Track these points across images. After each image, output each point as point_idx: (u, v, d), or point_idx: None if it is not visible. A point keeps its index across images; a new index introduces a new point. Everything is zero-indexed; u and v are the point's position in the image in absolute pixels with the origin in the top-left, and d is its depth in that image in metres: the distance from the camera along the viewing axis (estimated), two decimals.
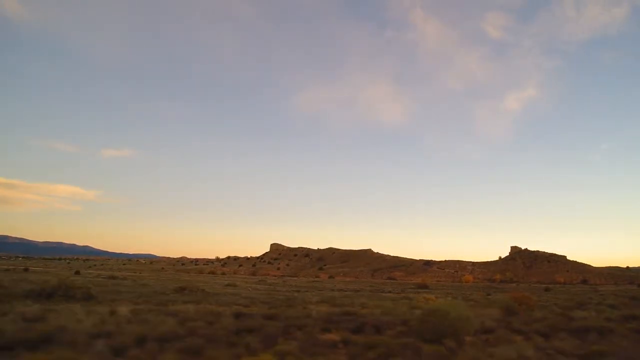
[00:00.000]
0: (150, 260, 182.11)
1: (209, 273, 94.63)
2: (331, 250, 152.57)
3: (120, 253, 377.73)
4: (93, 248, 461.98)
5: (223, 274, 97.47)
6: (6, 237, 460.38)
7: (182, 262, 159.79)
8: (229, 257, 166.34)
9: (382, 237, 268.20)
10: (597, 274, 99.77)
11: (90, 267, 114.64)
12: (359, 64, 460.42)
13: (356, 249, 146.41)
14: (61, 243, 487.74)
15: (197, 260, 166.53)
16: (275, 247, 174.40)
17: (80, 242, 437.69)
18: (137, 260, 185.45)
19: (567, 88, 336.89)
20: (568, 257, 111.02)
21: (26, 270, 46.80)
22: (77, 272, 47.77)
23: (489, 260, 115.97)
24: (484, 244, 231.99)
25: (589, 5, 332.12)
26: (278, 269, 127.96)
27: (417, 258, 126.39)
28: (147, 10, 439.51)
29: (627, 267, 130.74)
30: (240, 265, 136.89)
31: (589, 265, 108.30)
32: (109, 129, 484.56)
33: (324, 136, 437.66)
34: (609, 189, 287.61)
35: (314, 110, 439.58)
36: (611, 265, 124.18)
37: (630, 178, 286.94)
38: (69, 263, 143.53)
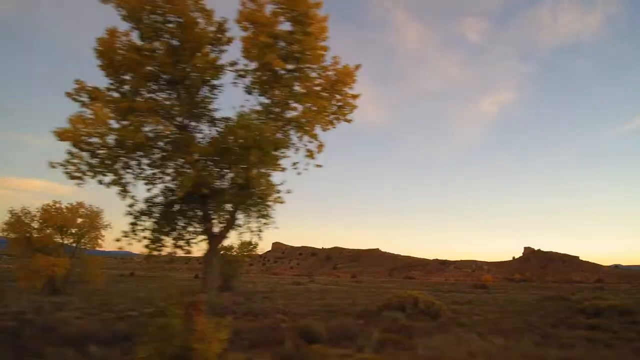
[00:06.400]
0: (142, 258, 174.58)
1: None
2: (338, 250, 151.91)
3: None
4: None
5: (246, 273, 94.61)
6: None
7: (185, 260, 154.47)
8: None
9: (385, 236, 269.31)
10: (609, 274, 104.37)
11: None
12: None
13: (363, 248, 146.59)
14: None
15: (198, 258, 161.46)
16: (278, 246, 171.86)
17: None
18: (131, 259, 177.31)
19: (541, 92, 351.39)
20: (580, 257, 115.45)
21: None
22: (197, 276, 44.75)
23: (503, 260, 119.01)
24: (490, 245, 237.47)
25: (563, 13, 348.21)
26: (291, 268, 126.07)
27: (426, 257, 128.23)
28: None
29: (616, 266, 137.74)
30: (250, 265, 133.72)
31: (600, 265, 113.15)
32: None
33: None
34: (580, 190, 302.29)
35: None
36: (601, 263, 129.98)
37: (598, 181, 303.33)
38: None
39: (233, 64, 6.77)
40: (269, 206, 6.87)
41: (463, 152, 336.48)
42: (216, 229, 7.06)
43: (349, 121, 7.29)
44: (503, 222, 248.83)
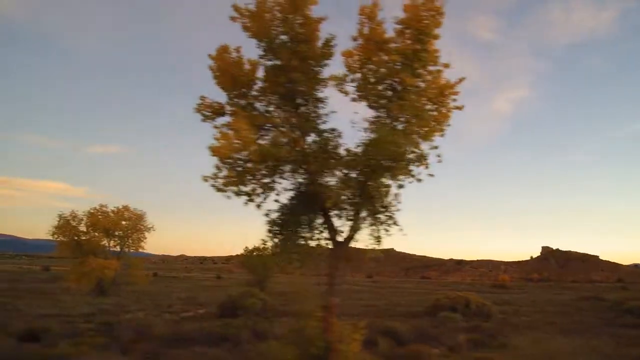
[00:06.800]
0: (162, 259, 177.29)
1: None
2: (352, 249, 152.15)
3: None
4: None
5: None
6: None
7: (200, 260, 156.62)
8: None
9: (399, 235, 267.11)
10: (629, 273, 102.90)
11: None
12: None
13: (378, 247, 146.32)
14: (51, 240, 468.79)
15: (212, 258, 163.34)
16: None
17: None
18: (147, 259, 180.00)
19: (555, 90, 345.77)
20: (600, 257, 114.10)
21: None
22: (219, 277, 45.58)
23: (520, 260, 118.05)
24: (506, 244, 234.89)
25: (577, 9, 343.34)
26: None
27: (442, 257, 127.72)
28: (138, 8, 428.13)
29: (636, 265, 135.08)
30: None
31: (621, 264, 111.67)
32: (96, 125, 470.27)
33: None
34: (596, 188, 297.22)
35: None
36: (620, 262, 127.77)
37: (615, 179, 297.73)
38: None
39: (355, 80, 7.23)
40: (393, 214, 7.41)
41: (478, 150, 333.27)
42: (340, 238, 7.62)
43: (443, 131, 7.65)
44: (519, 221, 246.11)
